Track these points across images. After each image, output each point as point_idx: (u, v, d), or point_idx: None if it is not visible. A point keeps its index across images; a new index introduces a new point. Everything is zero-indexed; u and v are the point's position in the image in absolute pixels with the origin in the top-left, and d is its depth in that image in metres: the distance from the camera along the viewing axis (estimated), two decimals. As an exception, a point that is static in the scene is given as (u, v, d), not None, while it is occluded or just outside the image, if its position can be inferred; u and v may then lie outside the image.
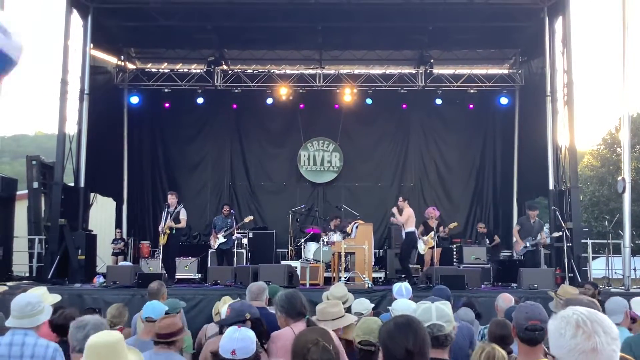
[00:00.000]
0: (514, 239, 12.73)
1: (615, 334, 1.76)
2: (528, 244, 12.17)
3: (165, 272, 11.67)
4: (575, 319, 1.76)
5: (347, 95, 16.11)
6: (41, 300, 3.99)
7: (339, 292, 5.49)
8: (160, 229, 12.23)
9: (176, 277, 12.41)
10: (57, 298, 4.43)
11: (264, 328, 4.35)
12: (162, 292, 6.37)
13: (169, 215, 12.09)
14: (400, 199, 12.46)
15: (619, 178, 12.08)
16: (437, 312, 2.97)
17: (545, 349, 2.95)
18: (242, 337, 3.22)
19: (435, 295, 3.70)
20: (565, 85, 13.36)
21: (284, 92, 16.04)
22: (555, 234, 12.44)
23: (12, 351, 3.70)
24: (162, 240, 12.08)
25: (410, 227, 12.02)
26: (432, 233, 12.66)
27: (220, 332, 4.28)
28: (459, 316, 5.77)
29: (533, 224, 12.33)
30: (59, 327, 4.46)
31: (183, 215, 12.22)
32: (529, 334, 3.02)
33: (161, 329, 4.18)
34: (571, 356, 1.73)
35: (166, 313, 5.40)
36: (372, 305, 5.43)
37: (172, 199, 12.30)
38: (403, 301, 4.74)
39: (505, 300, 6.00)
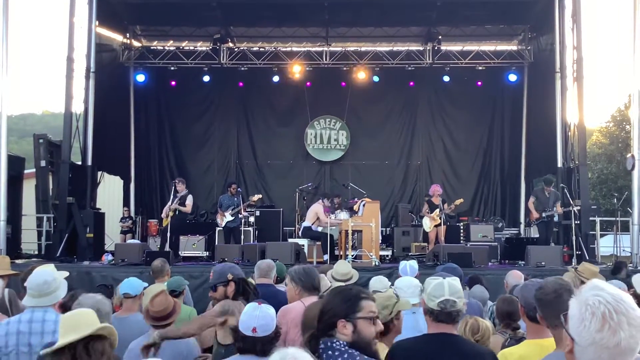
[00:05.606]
0: (530, 211, 12.81)
1: (639, 323, 1.65)
2: (544, 215, 12.26)
3: (171, 250, 11.79)
4: (602, 310, 1.64)
5: (361, 72, 16.01)
6: (56, 276, 3.95)
7: (344, 269, 5.49)
8: (163, 213, 12.30)
9: (180, 254, 12.44)
10: (64, 274, 4.43)
11: (250, 288, 4.32)
12: (165, 269, 6.33)
13: (176, 198, 12.19)
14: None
15: (628, 155, 12.00)
16: (450, 288, 2.94)
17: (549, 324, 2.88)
18: (263, 315, 3.20)
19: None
20: (575, 62, 13.21)
21: (291, 70, 15.96)
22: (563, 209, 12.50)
23: (32, 328, 3.69)
24: (165, 222, 12.22)
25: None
26: (438, 210, 12.64)
27: None
28: (473, 294, 5.77)
29: (548, 195, 12.43)
30: (69, 310, 4.47)
31: (190, 200, 12.34)
32: None
33: (156, 312, 4.02)
34: (592, 349, 1.64)
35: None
36: (390, 283, 5.42)
37: (180, 186, 12.42)
38: (406, 279, 4.76)
39: (515, 277, 6.00)
